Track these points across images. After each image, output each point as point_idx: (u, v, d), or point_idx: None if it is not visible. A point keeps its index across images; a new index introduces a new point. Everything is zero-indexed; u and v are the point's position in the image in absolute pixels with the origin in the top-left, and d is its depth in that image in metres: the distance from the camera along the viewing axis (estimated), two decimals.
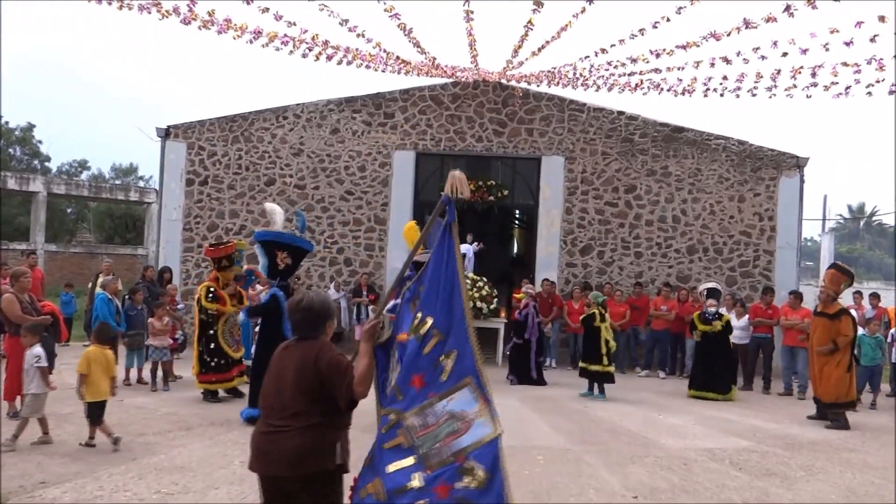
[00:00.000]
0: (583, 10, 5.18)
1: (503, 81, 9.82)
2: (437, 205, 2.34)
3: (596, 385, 6.70)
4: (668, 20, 5.22)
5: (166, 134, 10.03)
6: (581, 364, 6.89)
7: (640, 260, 9.76)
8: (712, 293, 7.14)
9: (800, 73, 5.75)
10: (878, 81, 5.32)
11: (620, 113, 9.88)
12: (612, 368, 6.65)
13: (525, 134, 9.96)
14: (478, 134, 10.00)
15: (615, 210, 9.84)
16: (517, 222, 16.35)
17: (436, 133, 10.03)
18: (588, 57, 6.96)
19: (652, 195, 9.81)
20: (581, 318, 7.08)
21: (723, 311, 7.31)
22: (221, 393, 5.79)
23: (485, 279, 9.08)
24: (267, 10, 5.11)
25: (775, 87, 6.27)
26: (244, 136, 10.12)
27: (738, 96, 6.76)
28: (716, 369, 6.77)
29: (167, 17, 5.25)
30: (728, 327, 6.95)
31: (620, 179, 9.85)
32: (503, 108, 9.94)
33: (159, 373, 6.18)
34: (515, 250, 17.71)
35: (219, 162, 10.09)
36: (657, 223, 9.79)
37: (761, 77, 6.32)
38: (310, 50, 6.57)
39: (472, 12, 5.66)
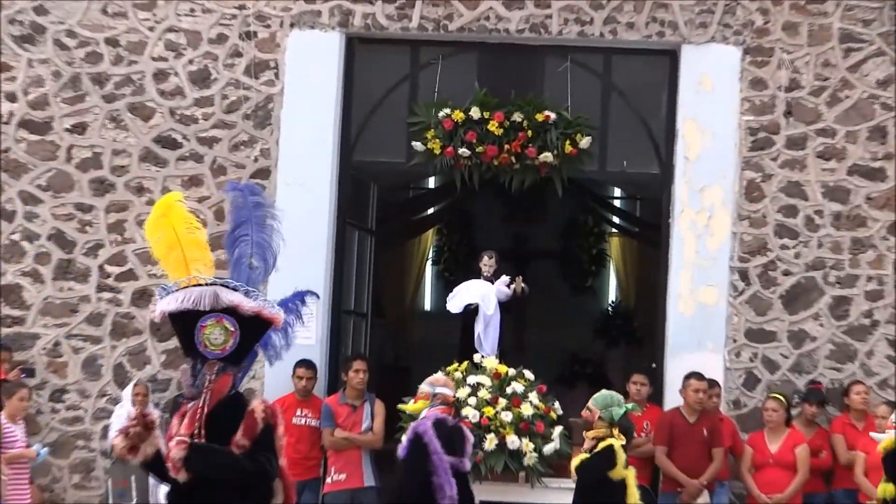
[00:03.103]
0: None
1: None
2: None
3: None
4: None
5: None
6: None
7: None
8: None
9: None
10: None
11: None
12: None
13: None
14: None
15: (882, 188, 9.86)
16: (615, 221, 16.48)
17: None
18: None
19: None
20: (575, 463, 7.30)
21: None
22: None
23: (529, 375, 9.09)
24: None
25: None
26: None
27: None
28: None
29: None
30: None
31: (893, 107, 9.86)
32: None
33: None
34: (613, 296, 17.86)
35: None
36: None
37: None
38: None
39: None
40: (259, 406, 4.91)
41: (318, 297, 5.74)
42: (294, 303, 5.59)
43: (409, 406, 7.88)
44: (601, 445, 7.02)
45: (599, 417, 7.09)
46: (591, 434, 7.16)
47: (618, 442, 6.99)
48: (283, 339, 5.48)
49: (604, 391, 7.48)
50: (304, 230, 9.64)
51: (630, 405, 7.36)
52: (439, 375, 8.00)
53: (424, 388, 7.62)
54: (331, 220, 9.90)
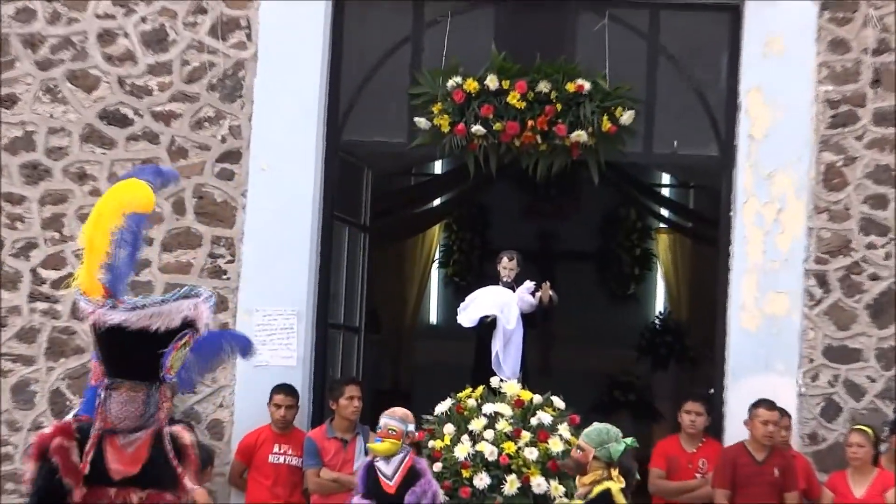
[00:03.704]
0: None
1: None
2: None
3: None
4: None
5: None
6: None
7: None
8: None
9: None
10: None
11: None
12: None
13: None
14: None
15: None
16: (663, 215, 16.65)
17: None
18: None
19: None
20: None
21: None
22: None
23: (558, 403, 9.13)
24: None
25: None
26: None
27: None
28: None
29: None
30: None
31: None
32: None
33: None
34: (660, 306, 18.01)
35: None
36: None
37: None
38: None
39: None
40: (188, 438, 5.07)
41: (249, 348, 5.68)
42: (228, 343, 5.57)
43: (380, 446, 8.02)
44: (596, 490, 7.00)
45: (595, 457, 7.07)
46: (586, 479, 7.12)
47: (616, 485, 6.97)
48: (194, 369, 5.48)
49: (597, 424, 7.52)
50: (283, 225, 9.77)
51: (629, 440, 7.32)
52: (401, 409, 8.15)
53: (394, 424, 7.89)
54: (315, 213, 9.93)
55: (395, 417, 7.97)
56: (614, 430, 7.30)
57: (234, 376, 9.76)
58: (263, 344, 9.52)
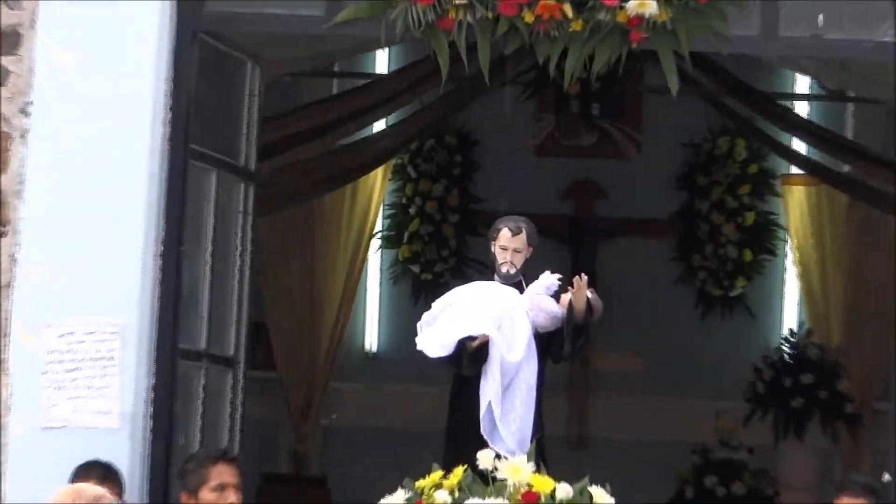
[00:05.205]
0: None
1: None
2: None
3: None
4: None
5: None
6: None
7: None
8: None
9: None
10: None
11: None
12: None
13: None
14: None
15: None
16: (796, 151, 16.82)
17: None
18: None
19: None
20: None
21: None
22: None
23: (602, 497, 9.20)
24: None
25: None
26: None
27: None
28: None
29: None
30: None
31: None
32: None
33: None
34: (792, 319, 18.44)
35: None
36: None
37: None
38: None
39: None
40: None
41: None
42: None
43: None
44: None
45: None
46: None
47: None
48: None
49: None
50: (97, 168, 9.86)
51: None
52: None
53: None
54: (157, 145, 10.05)
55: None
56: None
57: (5, 445, 9.95)
58: (60, 388, 9.77)
